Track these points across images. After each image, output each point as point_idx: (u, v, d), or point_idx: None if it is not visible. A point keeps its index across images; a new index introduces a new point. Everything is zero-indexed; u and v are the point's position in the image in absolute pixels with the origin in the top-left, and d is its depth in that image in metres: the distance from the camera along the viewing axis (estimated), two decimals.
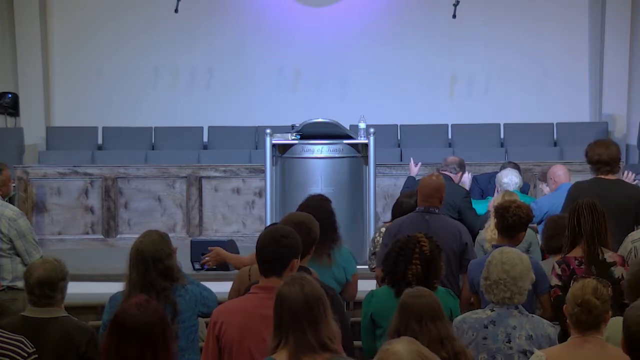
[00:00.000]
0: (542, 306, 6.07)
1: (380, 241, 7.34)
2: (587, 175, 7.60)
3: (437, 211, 6.80)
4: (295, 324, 3.82)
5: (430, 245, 5.47)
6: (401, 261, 5.42)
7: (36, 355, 4.67)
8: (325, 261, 6.03)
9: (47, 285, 5.01)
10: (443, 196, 6.90)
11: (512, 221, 6.21)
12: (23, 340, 4.66)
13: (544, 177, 9.39)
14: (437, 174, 7.41)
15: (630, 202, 7.15)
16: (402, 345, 3.27)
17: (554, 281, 6.01)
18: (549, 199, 8.57)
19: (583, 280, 4.68)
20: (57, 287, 5.04)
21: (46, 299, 5.03)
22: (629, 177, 8.41)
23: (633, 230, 6.81)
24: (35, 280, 5.02)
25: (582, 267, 5.98)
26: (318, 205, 6.16)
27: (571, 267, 6.00)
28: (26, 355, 4.62)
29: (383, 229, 7.55)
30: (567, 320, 4.64)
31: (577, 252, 6.04)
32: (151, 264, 5.11)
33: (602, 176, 7.27)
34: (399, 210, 7.57)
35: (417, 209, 6.88)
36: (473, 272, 6.18)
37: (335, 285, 6.04)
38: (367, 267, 7.90)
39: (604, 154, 7.23)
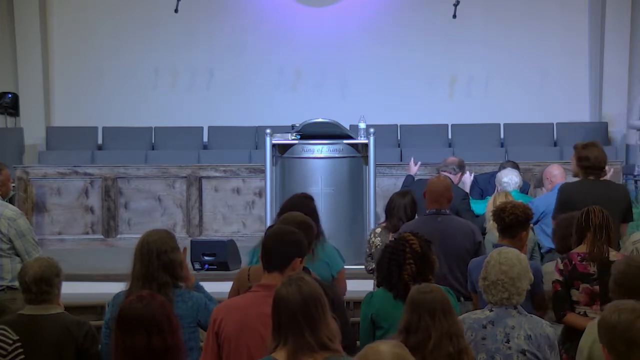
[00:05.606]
0: (535, 305, 6.06)
1: (376, 242, 7.39)
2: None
3: (447, 212, 6.81)
4: (294, 324, 3.83)
5: (419, 241, 5.46)
6: (394, 265, 5.42)
7: (20, 343, 4.81)
8: (308, 257, 6.05)
9: (43, 281, 5.10)
10: (451, 196, 6.93)
11: (510, 221, 6.22)
12: (5, 328, 4.80)
13: (539, 182, 9.37)
14: (443, 176, 7.42)
15: (617, 201, 7.11)
16: (386, 346, 3.27)
17: (555, 276, 5.99)
18: (545, 198, 8.55)
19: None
20: (53, 283, 5.14)
21: (44, 295, 5.11)
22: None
23: (619, 229, 6.81)
24: (31, 278, 5.10)
25: (584, 263, 5.92)
26: (302, 204, 6.21)
27: (573, 263, 5.95)
28: (11, 342, 4.71)
29: (378, 230, 7.57)
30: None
31: (582, 248, 5.98)
32: (155, 255, 5.13)
33: (591, 177, 7.24)
34: (389, 209, 7.58)
35: (427, 211, 6.90)
36: (473, 272, 6.19)
37: None
38: (363, 267, 7.92)
39: (600, 158, 7.18)
